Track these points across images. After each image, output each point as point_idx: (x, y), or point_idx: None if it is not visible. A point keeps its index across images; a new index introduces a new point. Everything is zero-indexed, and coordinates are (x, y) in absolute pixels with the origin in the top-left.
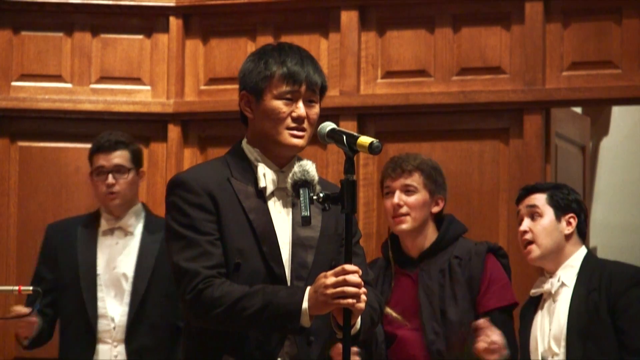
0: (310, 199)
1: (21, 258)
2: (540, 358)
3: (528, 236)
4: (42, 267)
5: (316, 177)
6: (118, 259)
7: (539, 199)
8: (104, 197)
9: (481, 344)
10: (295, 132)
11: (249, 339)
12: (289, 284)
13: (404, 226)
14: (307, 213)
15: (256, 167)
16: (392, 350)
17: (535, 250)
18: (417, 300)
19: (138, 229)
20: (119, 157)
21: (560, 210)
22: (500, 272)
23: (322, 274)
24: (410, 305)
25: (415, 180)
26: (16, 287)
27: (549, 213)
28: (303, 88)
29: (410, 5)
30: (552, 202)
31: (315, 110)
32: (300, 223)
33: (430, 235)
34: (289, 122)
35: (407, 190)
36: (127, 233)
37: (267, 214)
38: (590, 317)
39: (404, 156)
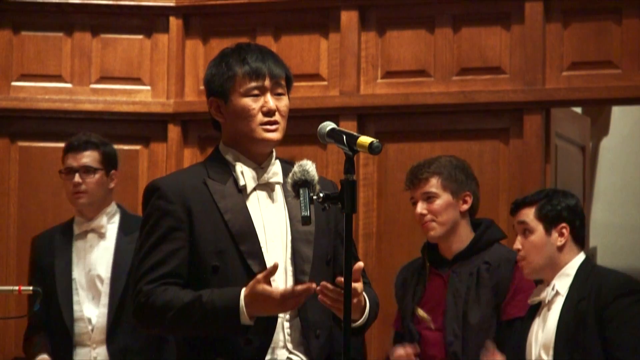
0: (310, 198)
1: (21, 258)
2: None
3: (520, 254)
4: (31, 280)
5: (316, 177)
6: (92, 261)
7: (528, 214)
8: (71, 196)
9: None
10: (268, 127)
11: (236, 340)
12: (292, 277)
13: (433, 233)
14: (307, 213)
15: (234, 166)
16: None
17: (526, 267)
18: (444, 300)
19: (112, 230)
20: (87, 157)
21: (549, 223)
22: (528, 282)
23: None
24: (438, 306)
25: (433, 186)
26: (16, 287)
27: (538, 228)
28: (267, 81)
29: (410, 5)
30: (541, 215)
31: (284, 102)
32: (297, 218)
33: (464, 236)
34: (260, 117)
35: (428, 197)
36: (100, 235)
37: (244, 212)
38: (578, 326)
39: (420, 164)
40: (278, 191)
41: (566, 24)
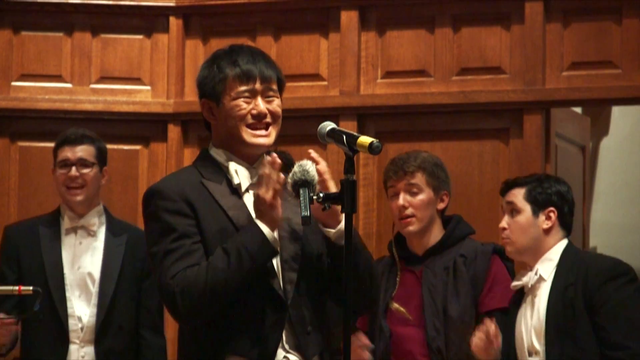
0: (310, 198)
1: None
2: (526, 353)
3: (506, 233)
4: (4, 268)
5: (316, 177)
6: (82, 259)
7: (517, 195)
8: (66, 191)
9: (476, 339)
10: (257, 132)
11: (247, 336)
12: (280, 275)
13: (411, 228)
14: (307, 213)
15: (227, 167)
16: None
17: (509, 246)
18: (420, 296)
19: (101, 229)
20: (84, 150)
21: (538, 206)
22: (504, 273)
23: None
24: (413, 302)
25: (418, 180)
26: (16, 287)
27: (526, 209)
28: (258, 84)
29: (410, 5)
30: (530, 197)
31: (276, 103)
32: (283, 216)
33: (436, 233)
34: (248, 119)
35: (411, 190)
36: (90, 232)
37: (245, 209)
38: (567, 314)
39: (404, 156)
40: None
41: (566, 24)
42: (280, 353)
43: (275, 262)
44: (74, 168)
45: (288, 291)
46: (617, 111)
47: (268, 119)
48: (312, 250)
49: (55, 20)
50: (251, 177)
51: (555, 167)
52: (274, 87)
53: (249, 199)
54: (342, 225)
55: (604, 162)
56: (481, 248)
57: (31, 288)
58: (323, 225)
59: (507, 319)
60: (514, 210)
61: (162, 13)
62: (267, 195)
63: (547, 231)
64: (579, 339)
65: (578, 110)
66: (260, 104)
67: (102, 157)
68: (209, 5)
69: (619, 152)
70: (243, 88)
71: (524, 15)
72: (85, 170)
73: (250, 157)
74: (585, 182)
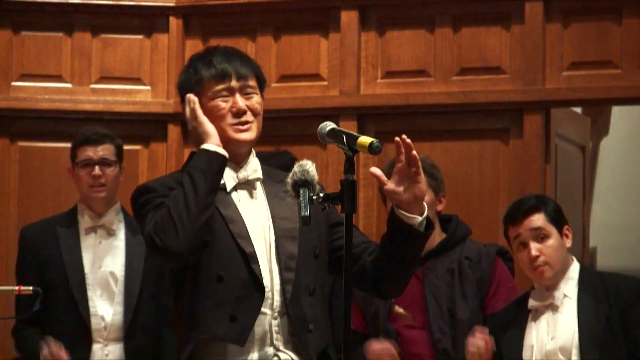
0: (310, 198)
1: None
2: None
3: (541, 259)
4: (24, 270)
5: (316, 177)
6: (104, 258)
7: (540, 219)
8: (89, 190)
9: (472, 347)
10: (239, 127)
11: (243, 329)
12: (277, 275)
13: None
14: (307, 213)
15: None
16: None
17: (548, 272)
18: (422, 298)
19: (120, 228)
20: (106, 149)
21: (559, 226)
22: (507, 274)
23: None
24: (415, 304)
25: None
26: (16, 287)
27: (554, 232)
28: (234, 82)
29: (410, 5)
30: (551, 219)
31: (255, 99)
32: (280, 215)
33: (436, 235)
34: (229, 118)
35: None
36: (109, 232)
37: (232, 203)
38: (603, 328)
39: None
40: (259, 189)
41: (566, 24)
42: (271, 350)
43: (268, 262)
44: (97, 167)
45: (287, 290)
46: (617, 111)
47: (248, 117)
48: (307, 250)
49: (55, 20)
50: (238, 177)
51: (555, 167)
52: (251, 83)
53: (235, 199)
54: (426, 212)
55: (604, 162)
56: (485, 250)
57: (31, 288)
58: (405, 211)
59: (512, 336)
60: (540, 236)
61: (162, 13)
62: (191, 121)
63: (569, 249)
64: (616, 352)
65: (578, 110)
66: (239, 101)
67: (120, 155)
68: (209, 5)
69: (619, 152)
70: (220, 87)
71: (524, 15)
72: (108, 170)
73: (237, 156)
74: (585, 182)
